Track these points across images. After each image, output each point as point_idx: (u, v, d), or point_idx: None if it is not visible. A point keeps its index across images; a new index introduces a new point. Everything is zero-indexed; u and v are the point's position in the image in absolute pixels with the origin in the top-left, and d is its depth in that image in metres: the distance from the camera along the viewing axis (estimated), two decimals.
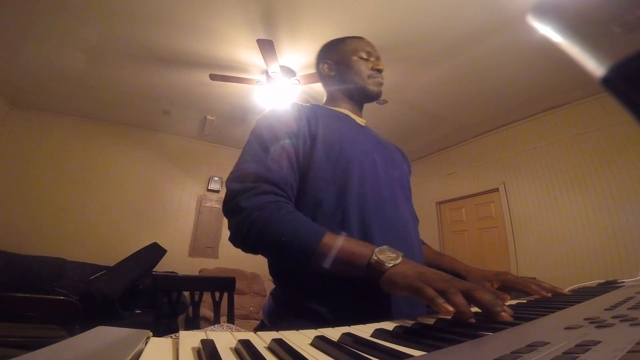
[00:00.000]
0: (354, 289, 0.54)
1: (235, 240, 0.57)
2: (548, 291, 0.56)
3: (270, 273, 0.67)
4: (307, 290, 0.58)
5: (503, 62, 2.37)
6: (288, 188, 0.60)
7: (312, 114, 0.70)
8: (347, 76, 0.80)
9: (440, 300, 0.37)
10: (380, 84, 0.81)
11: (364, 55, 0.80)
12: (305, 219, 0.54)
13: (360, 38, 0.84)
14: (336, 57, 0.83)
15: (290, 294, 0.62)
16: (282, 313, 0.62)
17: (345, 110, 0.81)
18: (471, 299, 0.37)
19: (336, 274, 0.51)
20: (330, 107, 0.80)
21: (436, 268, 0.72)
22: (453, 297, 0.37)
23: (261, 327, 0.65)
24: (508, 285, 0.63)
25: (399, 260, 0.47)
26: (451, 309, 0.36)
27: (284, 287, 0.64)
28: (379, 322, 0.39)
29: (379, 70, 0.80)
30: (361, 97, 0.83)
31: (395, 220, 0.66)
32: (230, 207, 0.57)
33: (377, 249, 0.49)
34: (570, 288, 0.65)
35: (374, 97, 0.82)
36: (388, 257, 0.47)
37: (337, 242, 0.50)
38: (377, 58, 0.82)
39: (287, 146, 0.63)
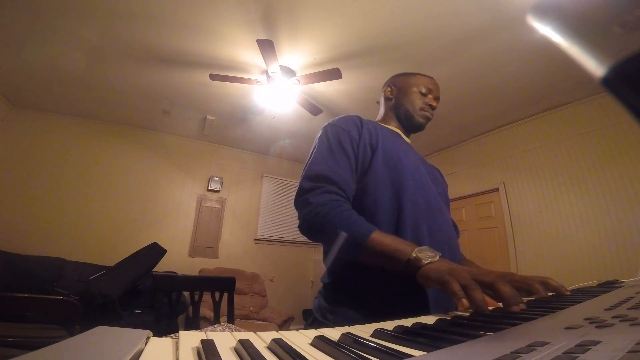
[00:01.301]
0: (400, 283, 0.61)
1: (302, 228, 0.68)
2: (553, 290, 0.55)
3: (325, 263, 0.76)
4: (358, 283, 0.67)
5: (503, 62, 2.37)
6: (348, 188, 0.70)
7: (372, 127, 0.80)
8: (402, 103, 0.90)
9: (460, 295, 0.42)
10: (427, 118, 0.90)
11: (424, 90, 0.89)
12: (358, 217, 0.64)
13: (428, 77, 0.92)
14: (400, 85, 0.93)
15: (343, 286, 0.71)
16: (333, 306, 0.70)
17: (396, 129, 0.91)
18: (494, 292, 0.42)
19: (379, 266, 0.59)
20: (385, 125, 0.90)
21: None
22: (472, 292, 0.42)
23: (312, 322, 0.73)
24: (514, 286, 0.62)
25: (436, 258, 0.52)
26: (466, 305, 0.41)
27: (337, 279, 0.72)
28: (417, 315, 0.44)
29: (431, 107, 0.89)
30: (407, 124, 0.91)
31: (442, 226, 0.75)
32: (301, 201, 0.68)
33: (417, 248, 0.55)
34: (570, 288, 0.64)
35: (417, 127, 0.90)
36: (426, 255, 0.53)
37: (383, 239, 0.58)
38: (435, 98, 0.90)
39: (350, 153, 0.73)
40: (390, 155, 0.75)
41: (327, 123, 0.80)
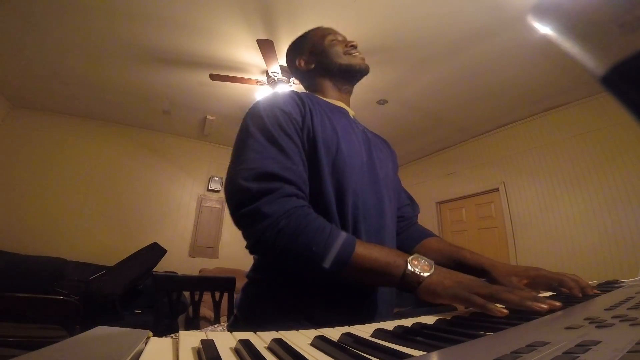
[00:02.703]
0: (336, 290, 0.56)
1: (257, 250, 0.53)
2: (582, 289, 0.51)
3: (254, 258, 0.65)
4: (287, 281, 0.58)
5: (503, 62, 2.37)
6: (305, 187, 0.57)
7: (311, 103, 0.66)
8: (328, 60, 0.77)
9: (492, 306, 0.38)
10: (363, 59, 0.79)
11: (333, 38, 0.79)
12: (332, 226, 0.52)
13: (318, 27, 0.83)
14: (309, 49, 0.80)
15: (270, 284, 0.60)
16: (259, 307, 0.60)
17: (337, 101, 0.78)
18: (500, 303, 0.40)
19: (364, 282, 0.52)
20: (323, 98, 0.76)
21: (457, 262, 0.70)
22: (505, 296, 0.39)
23: (235, 322, 0.63)
24: (540, 282, 0.59)
25: (433, 270, 0.48)
26: (506, 311, 0.37)
27: (264, 275, 0.62)
28: (354, 320, 0.40)
29: (352, 45, 0.78)
30: (348, 77, 0.79)
31: (377, 226, 0.66)
32: (249, 212, 0.50)
33: (409, 259, 0.49)
34: None
35: (361, 71, 0.78)
36: (422, 267, 0.48)
37: (370, 252, 0.50)
38: (345, 38, 0.81)
39: (297, 140, 0.59)
40: (330, 145, 0.62)
41: (258, 102, 0.64)
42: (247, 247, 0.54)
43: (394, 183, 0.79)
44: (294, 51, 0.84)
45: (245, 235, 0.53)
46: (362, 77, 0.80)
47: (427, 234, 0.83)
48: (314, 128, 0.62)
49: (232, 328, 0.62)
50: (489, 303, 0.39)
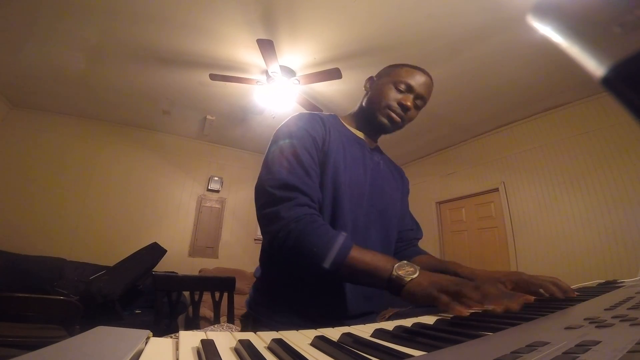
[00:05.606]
0: (322, 282, 0.66)
1: (273, 246, 0.62)
2: (564, 292, 0.54)
3: (261, 262, 0.76)
4: (286, 278, 0.70)
5: (503, 62, 2.37)
6: (319, 200, 0.68)
7: (332, 128, 0.76)
8: (372, 98, 0.79)
9: (454, 305, 0.42)
10: (392, 120, 0.76)
11: (402, 87, 0.75)
12: (335, 232, 0.60)
13: (417, 72, 0.77)
14: (380, 78, 0.81)
15: (275, 284, 0.72)
16: (265, 301, 0.72)
17: (358, 132, 0.83)
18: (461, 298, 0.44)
19: (358, 283, 0.59)
20: (347, 126, 0.83)
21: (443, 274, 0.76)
22: (469, 294, 0.42)
23: (247, 316, 0.75)
24: (522, 286, 0.60)
25: (417, 274, 0.52)
26: (466, 312, 0.40)
27: (271, 278, 0.74)
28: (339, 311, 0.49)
29: (404, 107, 0.75)
30: (369, 123, 0.81)
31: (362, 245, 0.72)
32: (269, 213, 0.62)
33: (396, 265, 0.54)
34: None
35: (381, 128, 0.79)
36: (407, 272, 0.53)
37: (363, 256, 0.57)
38: (417, 97, 0.76)
39: (316, 160, 0.70)
40: (337, 169, 0.71)
41: (289, 121, 0.74)
42: (266, 244, 0.65)
43: (396, 212, 0.85)
44: (379, 72, 0.84)
45: (263, 233, 0.64)
46: (380, 132, 0.84)
47: (421, 252, 0.90)
48: (328, 151, 0.72)
49: (243, 318, 0.76)
50: (452, 302, 0.43)
